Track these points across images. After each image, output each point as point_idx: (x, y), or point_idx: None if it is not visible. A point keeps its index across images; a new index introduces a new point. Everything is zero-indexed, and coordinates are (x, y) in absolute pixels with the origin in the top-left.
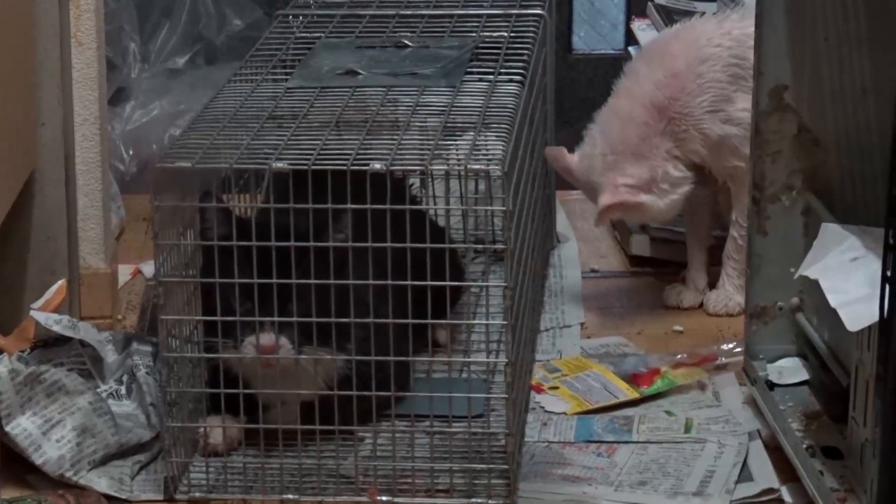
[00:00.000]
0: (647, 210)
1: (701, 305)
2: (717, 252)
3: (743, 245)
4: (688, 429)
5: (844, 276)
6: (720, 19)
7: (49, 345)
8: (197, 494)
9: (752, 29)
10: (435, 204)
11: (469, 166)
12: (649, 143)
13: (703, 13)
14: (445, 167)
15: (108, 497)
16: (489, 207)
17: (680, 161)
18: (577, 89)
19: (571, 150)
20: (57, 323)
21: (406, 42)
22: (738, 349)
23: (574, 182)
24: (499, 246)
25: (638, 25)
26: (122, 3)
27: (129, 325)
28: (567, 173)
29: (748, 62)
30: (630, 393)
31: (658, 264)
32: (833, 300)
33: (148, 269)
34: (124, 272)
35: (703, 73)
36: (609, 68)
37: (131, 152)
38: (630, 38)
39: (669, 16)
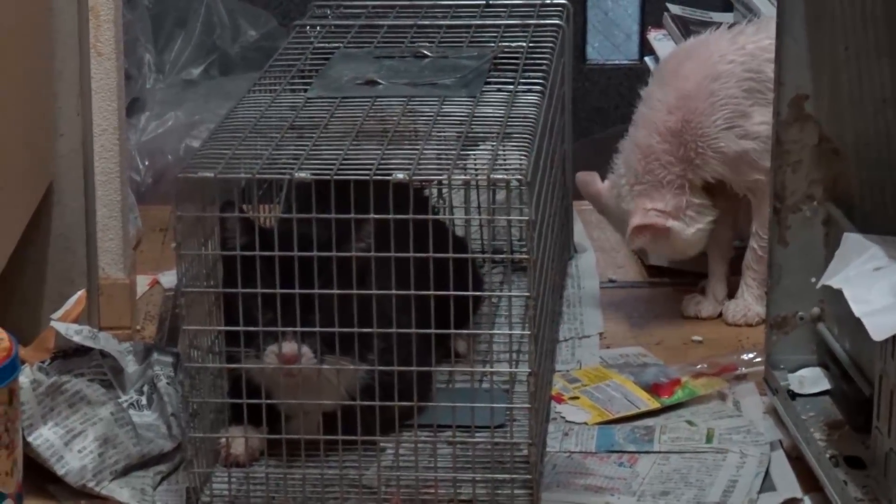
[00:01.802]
0: (675, 238)
1: (720, 316)
2: (736, 262)
3: (763, 256)
4: (709, 439)
5: (868, 285)
6: (734, 34)
7: (69, 355)
8: None
9: (768, 41)
10: (453, 214)
11: (492, 176)
12: (672, 171)
13: (720, 25)
14: (468, 177)
15: None
16: (512, 217)
17: (698, 187)
18: (591, 100)
19: (588, 161)
20: (77, 333)
21: (425, 52)
22: (758, 359)
23: (601, 209)
24: (522, 256)
25: (654, 36)
26: (136, 13)
27: (148, 335)
28: (595, 200)
29: (764, 75)
30: (651, 403)
31: (675, 274)
32: (857, 310)
33: (166, 279)
34: (142, 283)
35: (715, 91)
36: (623, 78)
37: (147, 163)
38: (645, 49)
39: (686, 26)
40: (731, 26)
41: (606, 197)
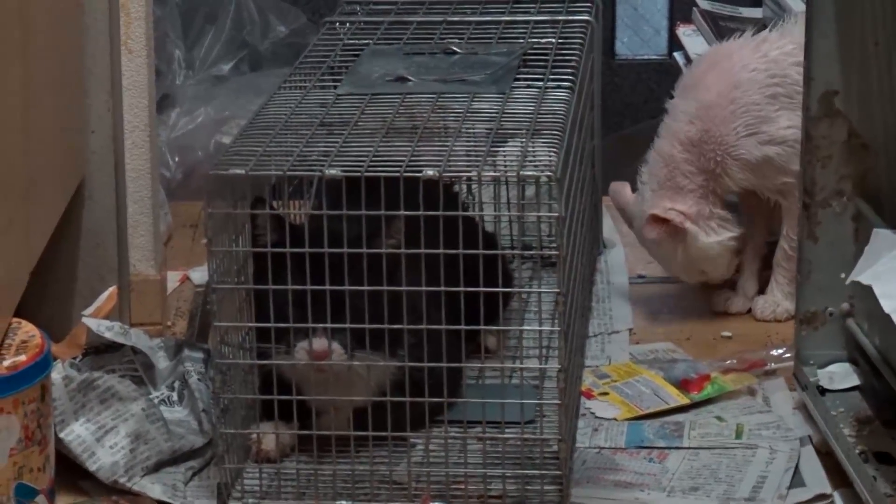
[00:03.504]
0: (690, 243)
1: (749, 311)
2: (765, 257)
3: (793, 255)
4: (739, 434)
5: None
6: (758, 42)
7: (100, 351)
8: (250, 500)
9: (792, 46)
10: (483, 210)
11: (521, 172)
12: (694, 180)
13: (756, 22)
14: (498, 173)
15: (161, 503)
16: (542, 214)
17: (722, 200)
18: (620, 95)
19: (617, 157)
20: (109, 329)
21: (454, 48)
22: (787, 355)
23: (628, 219)
24: (552, 252)
25: (683, 31)
26: (166, 10)
27: (179, 331)
28: (623, 209)
29: (790, 79)
30: (680, 399)
31: None
32: (887, 305)
33: (196, 275)
34: (172, 279)
35: (736, 99)
36: (652, 74)
37: (177, 159)
38: (674, 44)
39: (715, 21)
40: (755, 33)
41: (633, 207)
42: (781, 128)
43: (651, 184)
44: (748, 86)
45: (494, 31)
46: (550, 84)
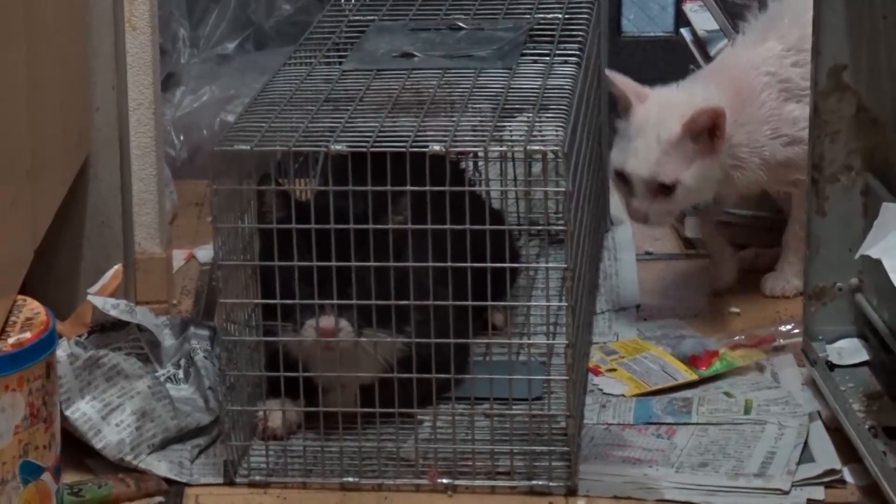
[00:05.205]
0: (705, 165)
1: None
2: (777, 235)
3: (803, 235)
4: (747, 410)
5: None
6: (751, 43)
7: (106, 329)
8: (256, 478)
9: (781, 47)
10: (490, 186)
11: (528, 148)
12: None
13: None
14: (505, 148)
15: (168, 480)
16: (549, 189)
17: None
18: (626, 72)
19: None
20: (114, 307)
21: (461, 24)
22: (796, 330)
23: (625, 108)
24: (559, 227)
25: (690, 7)
26: None
27: (185, 309)
28: (638, 98)
29: (794, 84)
30: (688, 375)
31: None
32: None
33: (202, 253)
34: (178, 257)
35: (764, 103)
36: (659, 51)
37: (182, 138)
38: (681, 20)
39: None
40: (732, 42)
41: (651, 96)
42: (800, 129)
43: (715, 76)
44: (769, 90)
45: (500, 6)
46: (557, 59)
